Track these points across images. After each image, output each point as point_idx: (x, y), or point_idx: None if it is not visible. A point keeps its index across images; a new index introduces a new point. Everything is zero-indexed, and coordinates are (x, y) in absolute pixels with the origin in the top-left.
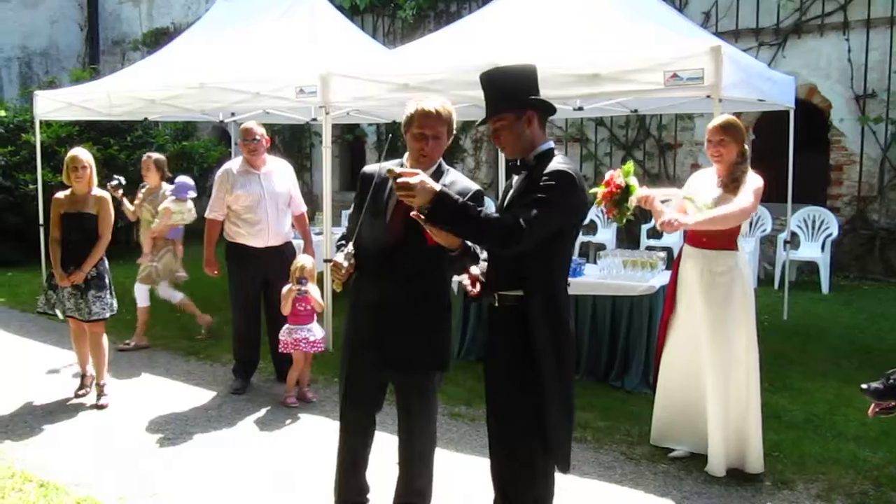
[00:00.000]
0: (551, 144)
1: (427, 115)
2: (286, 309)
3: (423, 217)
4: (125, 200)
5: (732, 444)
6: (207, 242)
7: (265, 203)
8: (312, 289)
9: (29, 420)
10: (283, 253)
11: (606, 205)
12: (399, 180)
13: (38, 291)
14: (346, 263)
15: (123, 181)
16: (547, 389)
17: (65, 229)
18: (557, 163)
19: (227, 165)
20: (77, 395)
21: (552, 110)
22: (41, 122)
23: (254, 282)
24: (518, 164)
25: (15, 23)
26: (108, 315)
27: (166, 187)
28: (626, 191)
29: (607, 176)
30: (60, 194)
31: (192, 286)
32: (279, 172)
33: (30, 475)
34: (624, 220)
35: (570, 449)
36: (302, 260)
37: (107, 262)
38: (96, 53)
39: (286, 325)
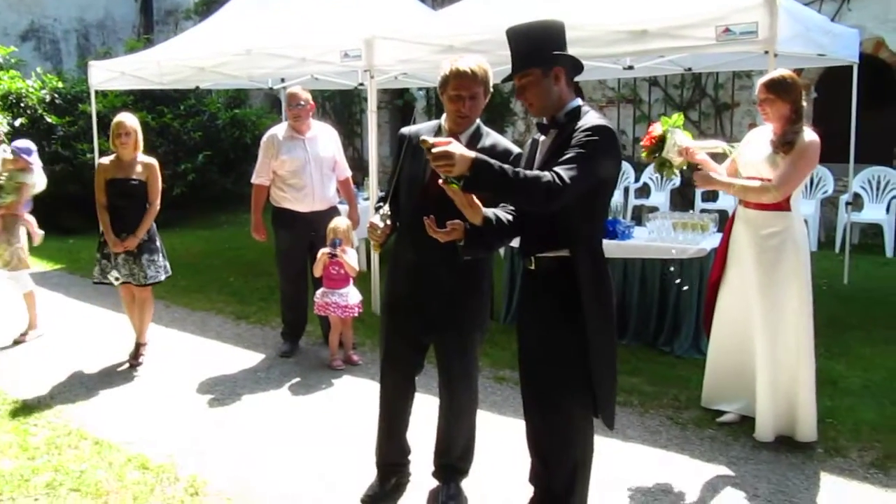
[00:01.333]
0: (580, 102)
1: (462, 75)
2: (318, 271)
3: (452, 185)
4: None
5: (782, 411)
6: (255, 208)
7: (310, 168)
8: (349, 253)
9: (86, 382)
10: (329, 217)
11: (648, 155)
12: (436, 150)
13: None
14: (381, 224)
15: None
16: (595, 348)
17: (111, 195)
18: (594, 118)
19: (272, 130)
20: (130, 363)
21: (580, 67)
22: (97, 93)
23: (300, 246)
24: (548, 122)
25: None
26: (163, 277)
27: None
28: (662, 140)
29: (651, 126)
30: (105, 160)
31: (240, 252)
32: (324, 137)
33: (85, 433)
34: (671, 174)
35: (615, 405)
36: (335, 222)
37: (155, 226)
38: (150, 23)
39: (321, 288)
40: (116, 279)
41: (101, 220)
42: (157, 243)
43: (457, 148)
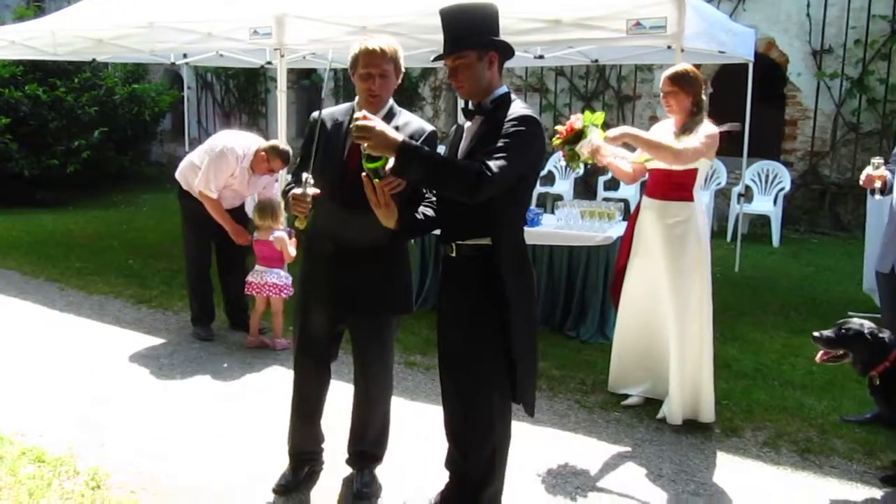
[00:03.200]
0: (506, 89)
1: (371, 53)
2: (292, 256)
3: (377, 176)
4: None
5: (688, 394)
6: (225, 218)
7: (246, 198)
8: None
9: None
10: (241, 208)
11: (560, 146)
12: (358, 123)
13: None
14: (310, 192)
15: None
16: (518, 337)
17: None
18: (521, 107)
19: (232, 146)
20: None
21: (511, 54)
22: None
23: (209, 231)
24: (473, 108)
25: None
26: None
27: None
28: (579, 134)
29: (572, 119)
30: None
31: (139, 233)
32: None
33: None
34: (576, 166)
35: (535, 393)
36: (268, 199)
37: None
38: None
39: (256, 267)
40: None
41: None
42: None
43: (383, 127)
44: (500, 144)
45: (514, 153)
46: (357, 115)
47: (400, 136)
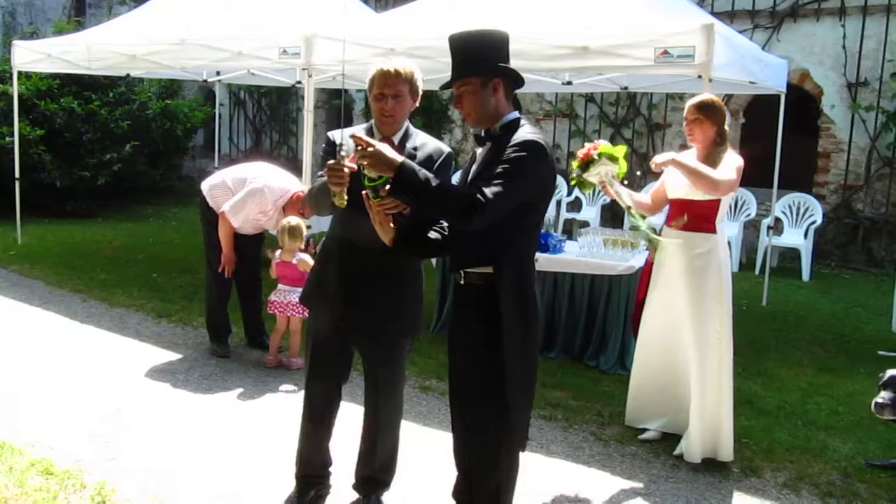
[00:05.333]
0: (517, 114)
1: (386, 74)
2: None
3: (375, 199)
4: None
5: (707, 431)
6: (227, 240)
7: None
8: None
9: None
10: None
11: (575, 167)
12: (360, 149)
13: (11, 246)
14: (347, 155)
15: None
16: (511, 364)
17: None
18: (526, 132)
19: (276, 190)
20: None
21: (521, 81)
22: (20, 74)
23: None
24: (483, 134)
25: None
26: None
27: None
28: (589, 162)
29: (596, 141)
30: None
31: (165, 247)
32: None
33: None
34: (583, 188)
35: (528, 425)
36: (291, 221)
37: None
38: (82, 6)
39: (279, 287)
40: None
41: None
42: None
43: (385, 149)
44: (498, 171)
45: (511, 180)
46: (355, 132)
47: (400, 158)
